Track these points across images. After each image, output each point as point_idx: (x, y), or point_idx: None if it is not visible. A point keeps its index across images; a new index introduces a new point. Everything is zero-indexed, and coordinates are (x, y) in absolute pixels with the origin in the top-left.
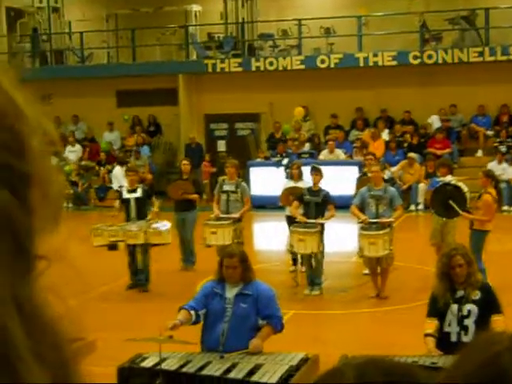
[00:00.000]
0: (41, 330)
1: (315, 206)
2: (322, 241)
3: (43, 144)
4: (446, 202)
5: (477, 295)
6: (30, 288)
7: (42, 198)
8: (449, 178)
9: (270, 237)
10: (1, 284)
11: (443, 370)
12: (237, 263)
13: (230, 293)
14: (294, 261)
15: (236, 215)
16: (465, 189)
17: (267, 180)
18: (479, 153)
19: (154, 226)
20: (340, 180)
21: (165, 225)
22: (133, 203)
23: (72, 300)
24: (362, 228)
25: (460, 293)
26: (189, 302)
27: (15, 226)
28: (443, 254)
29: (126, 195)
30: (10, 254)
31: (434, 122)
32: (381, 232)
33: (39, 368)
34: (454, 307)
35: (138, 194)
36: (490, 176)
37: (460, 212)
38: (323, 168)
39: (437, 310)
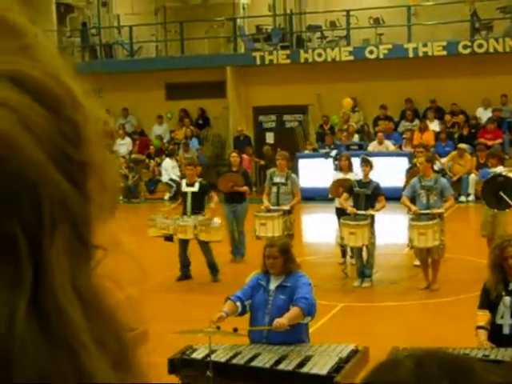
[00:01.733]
0: (101, 318)
1: (365, 198)
2: (372, 233)
3: (99, 134)
4: (496, 193)
5: None
6: (89, 276)
7: (99, 188)
8: (500, 169)
9: (319, 229)
10: (61, 271)
11: (504, 364)
12: (277, 253)
13: (273, 284)
14: (343, 253)
15: (286, 207)
16: None
17: (316, 172)
18: None
19: (206, 222)
20: (390, 171)
21: (215, 222)
22: (189, 197)
23: (130, 289)
24: (413, 219)
25: None
26: (236, 292)
27: (74, 215)
28: (495, 246)
29: (184, 188)
30: (69, 243)
31: (481, 113)
32: (431, 222)
33: (101, 355)
34: (507, 299)
35: (196, 188)
36: None
37: (511, 203)
38: (372, 159)
39: (489, 302)
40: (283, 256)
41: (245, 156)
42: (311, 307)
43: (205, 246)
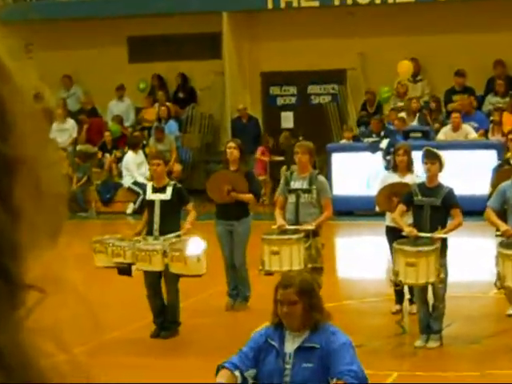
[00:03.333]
0: None
1: (432, 212)
2: (443, 265)
3: (33, 115)
4: None
5: None
6: (16, 331)
7: (33, 197)
8: None
9: (362, 259)
10: None
11: None
12: (295, 296)
13: (290, 345)
14: (400, 296)
15: (310, 226)
16: None
17: (357, 172)
18: None
19: (181, 245)
20: (470, 172)
21: (197, 245)
22: (157, 208)
23: (77, 351)
24: (503, 244)
25: None
26: (231, 357)
27: None
28: None
29: (150, 195)
30: None
31: None
32: None
33: None
34: None
35: (167, 194)
36: None
37: None
38: (444, 153)
39: None
40: (305, 301)
41: (259, 152)
42: (359, 379)
43: (172, 282)
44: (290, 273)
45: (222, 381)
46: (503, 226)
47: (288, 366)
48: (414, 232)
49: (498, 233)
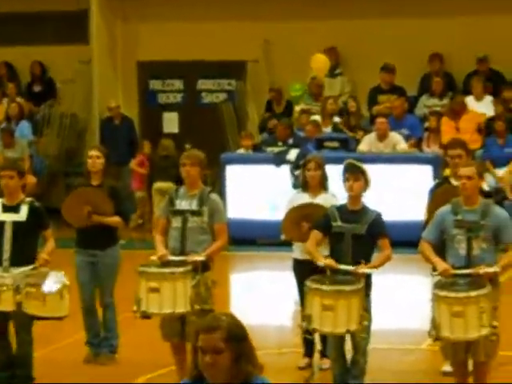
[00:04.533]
0: None
1: (354, 242)
2: (367, 309)
3: None
4: None
5: None
6: None
7: None
8: None
9: (262, 300)
10: None
11: None
12: (221, 344)
13: None
14: (309, 347)
15: (200, 257)
16: None
17: (258, 190)
18: None
19: (37, 280)
20: (400, 191)
21: (58, 280)
22: (8, 232)
23: None
24: (439, 285)
25: None
26: None
27: None
28: None
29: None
30: None
31: None
32: (474, 294)
33: None
34: None
35: (21, 215)
36: None
37: None
38: (368, 167)
39: None
40: (234, 349)
41: (135, 162)
42: None
43: (25, 326)
44: (216, 314)
45: None
46: (441, 265)
47: None
48: (333, 264)
49: (435, 273)
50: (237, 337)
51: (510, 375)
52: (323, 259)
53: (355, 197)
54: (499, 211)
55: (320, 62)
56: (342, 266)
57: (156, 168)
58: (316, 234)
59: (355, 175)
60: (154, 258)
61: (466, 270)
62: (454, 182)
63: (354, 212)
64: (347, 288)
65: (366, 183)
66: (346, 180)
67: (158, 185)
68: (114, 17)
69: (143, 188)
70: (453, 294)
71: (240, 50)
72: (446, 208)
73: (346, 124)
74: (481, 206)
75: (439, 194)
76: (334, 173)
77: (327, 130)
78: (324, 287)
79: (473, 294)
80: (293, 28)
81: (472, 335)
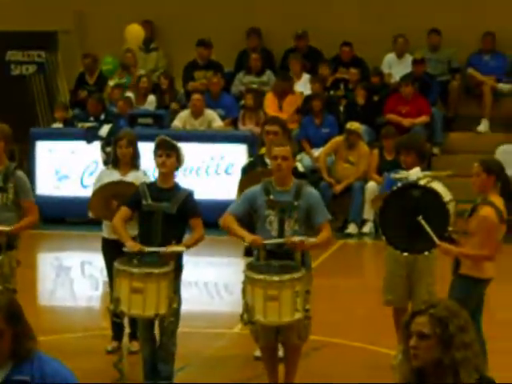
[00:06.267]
0: None
1: (164, 221)
2: (176, 292)
3: None
4: (410, 220)
5: None
6: None
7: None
8: (415, 173)
9: (70, 281)
10: None
11: None
12: (2, 324)
13: None
14: (118, 330)
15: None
16: (446, 196)
17: (69, 166)
18: (483, 125)
19: None
20: (214, 170)
21: None
22: None
23: None
24: (253, 268)
25: None
26: None
27: None
28: (409, 313)
29: None
30: None
31: (392, 64)
32: (288, 277)
33: None
34: None
35: None
36: (494, 171)
37: (436, 240)
38: (182, 146)
39: None
40: (13, 328)
41: None
42: None
43: None
44: None
45: None
46: (248, 236)
47: None
48: (137, 247)
49: (245, 243)
50: (16, 315)
51: (322, 360)
52: (130, 241)
53: (167, 174)
54: (312, 192)
55: (134, 32)
56: (151, 249)
57: None
58: (124, 211)
59: (167, 151)
60: None
61: (278, 240)
62: (268, 161)
63: (165, 190)
64: (156, 270)
65: (179, 160)
66: (157, 156)
67: None
68: None
69: None
70: (268, 278)
71: (51, 20)
72: (257, 187)
73: (159, 101)
74: (294, 186)
75: (252, 174)
76: (148, 150)
77: (143, 106)
78: (133, 269)
79: (287, 277)
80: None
81: (286, 319)
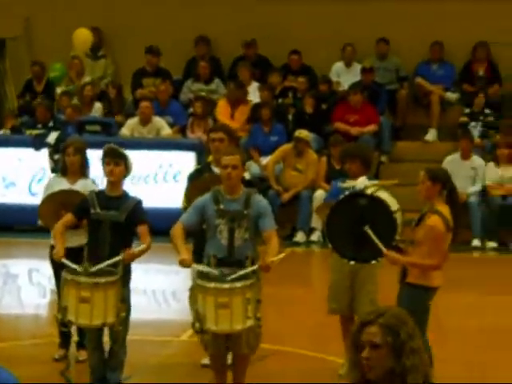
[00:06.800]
0: None
1: (113, 230)
2: (124, 300)
3: None
4: (357, 229)
5: None
6: None
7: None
8: (361, 182)
9: (18, 289)
10: None
11: None
12: None
13: None
14: (66, 338)
15: None
16: (393, 205)
17: (16, 174)
18: (430, 134)
19: None
20: (162, 178)
21: None
22: None
23: None
24: (203, 276)
25: None
26: None
27: None
28: (358, 319)
29: None
30: None
31: (340, 72)
32: (239, 284)
33: None
34: None
35: None
36: (439, 179)
37: (383, 249)
38: (130, 153)
39: None
40: None
41: None
42: None
43: None
44: None
45: None
46: (182, 254)
47: None
48: (59, 255)
49: (181, 260)
50: None
51: (270, 367)
52: (60, 249)
53: (115, 182)
54: (260, 200)
55: (82, 37)
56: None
57: None
58: (68, 217)
59: (115, 160)
60: None
61: (207, 268)
62: (215, 169)
63: (113, 198)
64: (103, 280)
65: (127, 169)
66: (105, 164)
67: None
68: None
69: None
70: (218, 285)
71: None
72: (207, 196)
73: (106, 109)
74: (243, 195)
75: (199, 182)
76: (95, 157)
77: (92, 114)
78: (80, 278)
79: (238, 284)
80: (55, 5)
81: (237, 327)
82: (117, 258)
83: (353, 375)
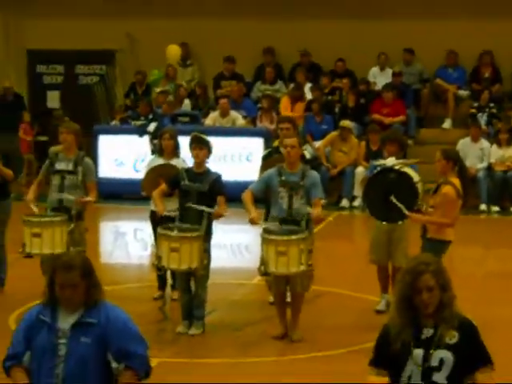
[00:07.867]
0: None
1: (198, 198)
2: (206, 251)
3: None
4: (386, 197)
5: (454, 337)
6: None
7: None
8: (391, 161)
9: (126, 244)
10: None
11: None
12: (78, 279)
13: (65, 321)
14: (162, 282)
15: (74, 209)
16: (415, 177)
17: (124, 155)
18: (447, 123)
19: None
20: (238, 158)
21: None
22: None
23: None
24: (266, 230)
25: (428, 331)
26: (8, 349)
27: None
28: (407, 270)
29: None
30: None
31: (376, 75)
32: (294, 237)
33: None
34: (418, 353)
35: None
36: (452, 158)
37: (405, 211)
38: (211, 139)
39: (389, 356)
40: (86, 281)
41: (21, 130)
42: (146, 366)
43: None
44: (69, 254)
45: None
46: (251, 213)
47: (63, 341)
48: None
49: (250, 217)
50: (89, 272)
51: (321, 305)
52: (161, 206)
53: (200, 162)
54: (313, 174)
55: (173, 51)
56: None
57: (51, 135)
58: (163, 187)
59: (200, 145)
60: (35, 209)
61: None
62: (282, 150)
63: (198, 174)
64: (189, 234)
65: (209, 151)
66: (192, 149)
67: (53, 149)
68: (7, 13)
69: (30, 151)
70: (278, 237)
71: (110, 41)
72: (272, 170)
73: (194, 105)
74: (300, 170)
75: (270, 161)
76: (185, 142)
77: (182, 108)
78: (171, 233)
79: (294, 237)
80: (151, 25)
81: (293, 270)
82: (210, 210)
83: (396, 319)
